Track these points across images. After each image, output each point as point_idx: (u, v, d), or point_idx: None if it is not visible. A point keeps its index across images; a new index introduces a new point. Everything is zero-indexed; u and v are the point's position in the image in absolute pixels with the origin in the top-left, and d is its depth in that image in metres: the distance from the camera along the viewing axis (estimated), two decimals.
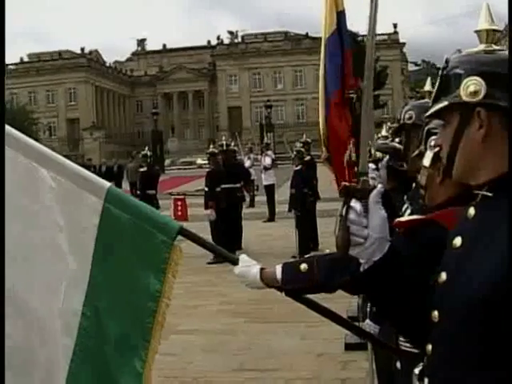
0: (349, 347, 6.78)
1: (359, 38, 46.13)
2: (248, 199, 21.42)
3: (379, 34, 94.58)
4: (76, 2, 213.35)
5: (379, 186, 2.06)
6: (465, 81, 1.82)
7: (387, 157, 3.92)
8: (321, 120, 5.13)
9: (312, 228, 14.09)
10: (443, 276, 1.84)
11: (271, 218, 20.31)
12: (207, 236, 14.52)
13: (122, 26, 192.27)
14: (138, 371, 2.58)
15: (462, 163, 1.85)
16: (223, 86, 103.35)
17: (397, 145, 4.00)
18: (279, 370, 6.79)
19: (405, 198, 3.37)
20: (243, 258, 2.79)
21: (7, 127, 2.78)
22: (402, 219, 2.45)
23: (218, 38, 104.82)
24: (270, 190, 21.47)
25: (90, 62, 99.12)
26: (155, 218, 2.64)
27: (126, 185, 31.39)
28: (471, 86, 1.81)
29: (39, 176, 2.68)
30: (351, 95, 5.19)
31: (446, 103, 1.88)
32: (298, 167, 14.40)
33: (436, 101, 1.94)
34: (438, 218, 2.13)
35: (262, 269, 2.74)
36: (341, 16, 5.24)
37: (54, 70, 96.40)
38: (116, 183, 35.87)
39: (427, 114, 2.01)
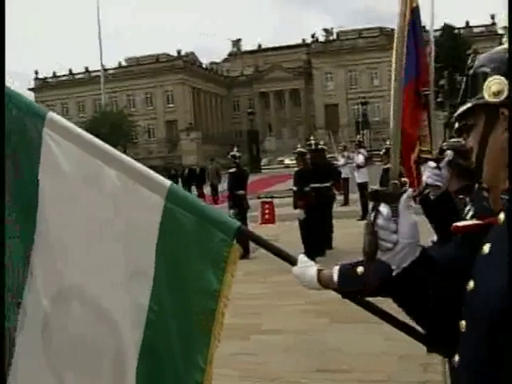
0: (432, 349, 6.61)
1: (455, 31, 45.22)
2: (339, 198, 21.28)
3: (475, 26, 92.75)
4: (171, 5, 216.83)
5: (409, 190, 1.99)
6: (488, 80, 1.75)
7: (448, 155, 3.81)
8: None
9: None
10: (471, 284, 1.78)
11: (364, 216, 20.09)
12: (297, 236, 14.53)
13: (217, 27, 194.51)
14: (202, 367, 2.60)
15: (490, 167, 1.78)
16: (319, 84, 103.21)
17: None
18: (359, 371, 6.71)
19: (467, 199, 3.27)
20: (301, 258, 2.77)
21: (75, 128, 2.88)
22: (460, 224, 2.36)
23: (313, 35, 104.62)
24: (363, 188, 21.27)
25: (186, 64, 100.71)
26: (215, 216, 2.65)
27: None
28: (494, 86, 1.73)
29: (104, 174, 2.75)
30: (426, 93, 5.08)
31: (469, 105, 1.81)
32: None
33: (463, 102, 1.87)
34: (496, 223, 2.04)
35: (319, 270, 2.71)
36: (415, 12, 5.12)
37: (152, 73, 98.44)
38: (197, 185, 36.40)
39: (455, 114, 1.94)
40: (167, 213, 2.67)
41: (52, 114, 2.94)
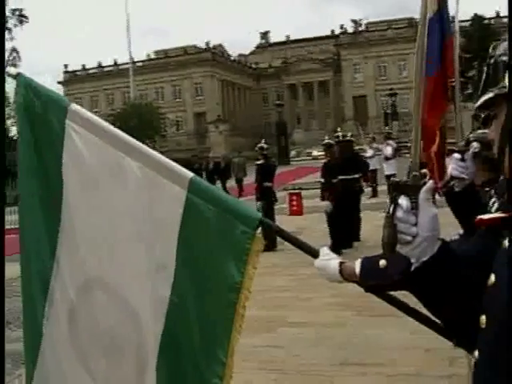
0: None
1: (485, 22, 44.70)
2: (367, 190, 21.16)
3: (505, 17, 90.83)
4: None
5: (430, 182, 1.95)
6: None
7: (474, 147, 3.74)
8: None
9: None
10: (492, 279, 1.74)
11: None
12: (325, 228, 14.49)
13: (245, 19, 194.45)
14: (222, 360, 2.59)
15: (511, 159, 1.74)
16: (348, 76, 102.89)
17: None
18: (383, 365, 6.66)
19: (492, 192, 3.21)
20: (323, 250, 2.72)
21: (97, 119, 2.89)
22: (484, 216, 2.31)
23: (342, 27, 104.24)
24: (390, 179, 21.12)
25: (214, 56, 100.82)
26: (237, 208, 2.63)
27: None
28: None
29: (126, 166, 2.76)
30: (453, 84, 4.99)
31: (491, 94, 1.76)
32: None
33: (484, 91, 1.82)
34: None
35: (341, 262, 2.66)
36: (442, 2, 5.03)
37: (180, 65, 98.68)
38: (222, 179, 36.41)
39: (476, 105, 1.89)
40: (189, 204, 2.66)
41: (74, 106, 2.96)
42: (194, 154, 40.68)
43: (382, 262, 2.58)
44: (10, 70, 3.14)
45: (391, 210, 1.91)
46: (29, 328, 3.16)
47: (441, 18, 4.96)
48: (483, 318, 1.73)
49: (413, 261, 1.90)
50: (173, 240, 2.68)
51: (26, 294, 3.15)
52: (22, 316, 3.26)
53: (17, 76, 3.10)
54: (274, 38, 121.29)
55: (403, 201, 1.88)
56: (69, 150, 2.91)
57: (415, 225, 1.87)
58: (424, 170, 2.48)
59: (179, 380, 2.73)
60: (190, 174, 2.72)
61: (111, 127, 2.88)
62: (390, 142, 24.80)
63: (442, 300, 1.91)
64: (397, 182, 1.97)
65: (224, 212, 2.60)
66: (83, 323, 2.96)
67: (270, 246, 12.57)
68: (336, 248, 13.59)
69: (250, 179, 28.57)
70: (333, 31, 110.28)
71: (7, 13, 66.65)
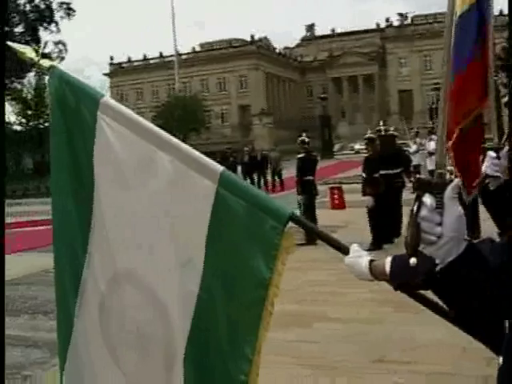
0: None
1: None
2: (409, 185, 20.97)
3: None
4: None
5: (456, 180, 1.89)
6: None
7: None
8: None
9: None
10: None
11: None
12: (366, 223, 14.39)
13: (290, 12, 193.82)
14: (249, 357, 2.56)
15: None
16: (393, 69, 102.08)
17: None
18: (419, 363, 6.59)
19: None
20: (353, 247, 2.67)
21: (128, 112, 2.90)
22: None
23: (387, 20, 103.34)
24: (434, 175, 20.90)
25: (259, 49, 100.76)
26: (267, 202, 2.59)
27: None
28: None
29: (157, 159, 2.75)
30: (493, 77, 4.88)
31: None
32: None
33: None
34: None
35: (371, 260, 2.62)
36: None
37: (225, 58, 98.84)
38: (259, 173, 36.30)
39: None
40: (219, 199, 2.64)
41: (106, 98, 2.97)
42: (227, 147, 40.33)
43: (413, 260, 2.53)
44: (43, 62, 3.15)
45: (415, 208, 1.86)
46: (62, 320, 3.19)
47: (479, 9, 4.81)
48: (507, 323, 1.68)
49: (437, 261, 1.85)
50: (202, 234, 2.66)
51: (59, 285, 3.19)
52: (56, 307, 3.30)
53: (50, 68, 3.11)
54: (319, 30, 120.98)
55: (427, 199, 1.83)
56: (100, 142, 2.92)
57: (440, 224, 1.82)
58: (450, 168, 2.41)
59: (206, 376, 2.72)
60: (221, 168, 2.69)
61: (143, 120, 2.88)
62: (434, 136, 24.44)
63: (464, 303, 1.86)
64: (420, 178, 1.92)
65: (254, 207, 2.57)
66: (113, 316, 2.97)
67: (311, 240, 12.52)
68: (377, 243, 13.53)
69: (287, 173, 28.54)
70: (378, 24, 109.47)
71: (54, 5, 67.50)
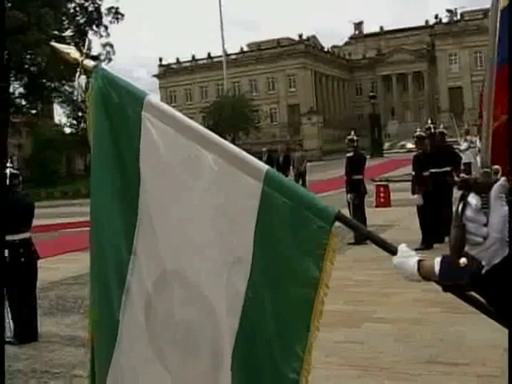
0: None
1: None
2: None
3: None
4: None
5: (502, 179, 1.84)
6: None
7: None
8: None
9: None
10: None
11: None
12: (416, 221, 14.24)
13: (338, 10, 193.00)
14: (300, 355, 2.56)
15: None
16: (443, 66, 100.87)
17: None
18: (471, 364, 6.48)
19: None
20: (402, 248, 2.64)
21: (172, 111, 2.90)
22: None
23: (436, 16, 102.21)
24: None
25: (307, 47, 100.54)
26: (313, 202, 2.58)
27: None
28: None
29: (202, 158, 2.76)
30: None
31: None
32: None
33: None
34: None
35: (420, 260, 2.57)
36: None
37: (274, 57, 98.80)
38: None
39: None
40: (265, 197, 2.64)
41: (150, 98, 2.99)
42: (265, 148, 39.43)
43: (463, 261, 2.47)
44: (87, 62, 3.17)
45: (460, 208, 1.81)
46: (104, 320, 3.20)
47: None
48: None
49: (484, 263, 1.80)
50: (249, 233, 2.66)
51: (101, 286, 3.19)
52: (91, 307, 3.28)
53: (94, 68, 3.13)
54: (367, 28, 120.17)
55: (473, 199, 1.79)
56: (145, 142, 2.94)
57: (485, 225, 1.77)
58: (496, 166, 2.33)
59: (255, 375, 2.71)
60: (266, 167, 2.70)
61: (187, 119, 2.90)
62: None
63: (509, 306, 1.81)
64: (465, 178, 1.87)
65: (300, 206, 2.56)
66: (159, 316, 2.98)
67: (361, 240, 12.46)
68: (427, 242, 13.36)
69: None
70: (427, 21, 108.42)
71: (103, 9, 68.22)
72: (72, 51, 3.20)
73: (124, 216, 3.05)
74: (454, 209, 1.91)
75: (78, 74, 3.11)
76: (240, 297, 2.69)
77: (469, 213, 1.78)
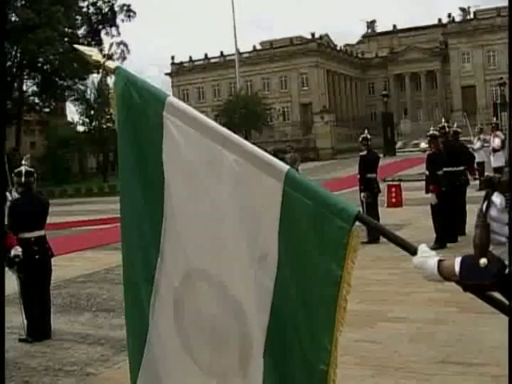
0: None
1: None
2: (473, 183, 20.64)
3: None
4: None
5: None
6: None
7: None
8: None
9: None
10: None
11: None
12: (429, 221, 14.18)
13: (350, 9, 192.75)
14: (327, 347, 2.61)
15: None
16: (456, 65, 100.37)
17: None
18: (486, 364, 6.43)
19: None
20: (422, 247, 2.64)
21: (193, 112, 2.94)
22: None
23: (449, 15, 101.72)
24: (499, 172, 20.48)
25: (320, 46, 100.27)
26: (333, 202, 2.61)
27: None
28: None
29: (223, 158, 2.80)
30: None
31: None
32: None
33: None
34: None
35: (440, 260, 2.57)
36: None
37: (286, 56, 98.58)
38: None
39: None
40: (286, 197, 2.68)
41: (171, 98, 3.03)
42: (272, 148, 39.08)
43: (483, 261, 2.45)
44: (109, 64, 3.21)
45: (484, 208, 1.80)
46: (135, 318, 3.28)
47: None
48: None
49: (507, 263, 1.79)
50: (274, 231, 2.71)
51: (130, 284, 3.26)
52: (125, 305, 3.37)
53: (115, 69, 3.17)
54: (380, 27, 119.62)
55: (497, 198, 1.78)
56: (167, 142, 2.99)
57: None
58: None
59: (287, 367, 2.77)
60: (286, 167, 2.73)
61: (208, 119, 2.94)
62: (498, 133, 24.02)
63: None
64: (489, 177, 1.85)
65: (320, 206, 2.60)
66: (187, 312, 3.06)
67: (375, 238, 12.45)
68: (440, 241, 13.32)
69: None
70: (440, 20, 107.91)
71: (116, 8, 68.55)
72: (94, 53, 3.26)
73: (150, 215, 3.14)
74: (478, 207, 1.90)
75: (100, 75, 3.14)
76: (269, 292, 2.74)
77: (493, 212, 1.77)
